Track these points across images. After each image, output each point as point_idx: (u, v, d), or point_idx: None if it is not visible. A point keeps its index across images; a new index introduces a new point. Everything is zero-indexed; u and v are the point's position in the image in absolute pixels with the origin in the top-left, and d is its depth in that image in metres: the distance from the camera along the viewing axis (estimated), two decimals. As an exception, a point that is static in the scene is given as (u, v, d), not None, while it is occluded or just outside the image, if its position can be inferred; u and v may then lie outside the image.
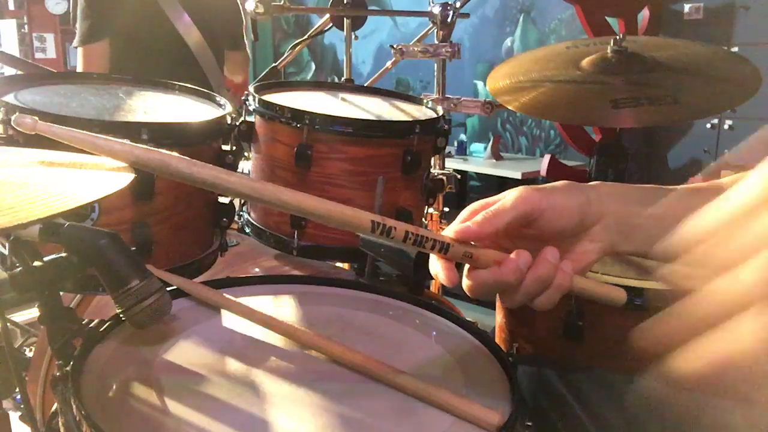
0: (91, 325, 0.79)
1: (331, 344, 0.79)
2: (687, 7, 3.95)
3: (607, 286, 0.73)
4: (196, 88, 1.30)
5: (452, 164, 4.18)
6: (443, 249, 0.67)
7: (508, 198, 0.68)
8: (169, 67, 2.08)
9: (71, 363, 0.72)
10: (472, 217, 0.68)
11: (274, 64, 2.15)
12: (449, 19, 1.88)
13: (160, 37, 2.16)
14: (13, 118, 0.62)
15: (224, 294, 0.92)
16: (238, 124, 1.22)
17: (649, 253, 0.69)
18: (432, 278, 1.91)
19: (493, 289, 0.68)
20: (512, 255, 0.66)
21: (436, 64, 1.92)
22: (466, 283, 0.68)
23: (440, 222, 1.83)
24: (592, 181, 0.72)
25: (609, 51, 1.45)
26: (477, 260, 0.67)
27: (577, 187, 0.69)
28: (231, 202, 1.22)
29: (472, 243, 0.68)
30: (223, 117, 1.16)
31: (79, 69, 2.19)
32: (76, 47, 2.18)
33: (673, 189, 0.72)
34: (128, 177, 0.66)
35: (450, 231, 0.67)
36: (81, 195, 0.61)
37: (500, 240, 0.70)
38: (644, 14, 3.87)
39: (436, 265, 0.69)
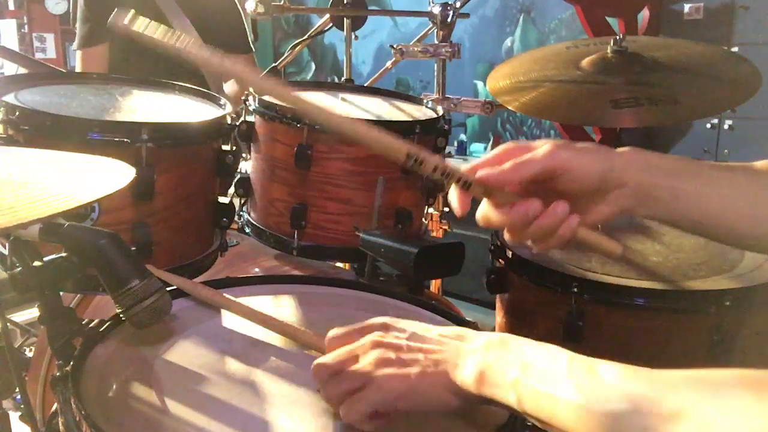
0: (91, 325, 0.79)
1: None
2: (687, 7, 3.95)
3: (605, 238, 0.77)
4: (196, 88, 1.30)
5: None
6: (466, 185, 0.73)
7: (539, 151, 0.72)
8: (168, 70, 2.08)
9: (71, 363, 0.72)
10: (504, 157, 0.73)
11: (274, 64, 2.15)
12: (449, 19, 1.88)
13: None
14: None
15: (224, 294, 0.92)
16: (238, 124, 1.22)
17: (664, 221, 0.75)
18: (432, 278, 1.92)
19: (499, 226, 0.74)
20: (524, 202, 0.71)
21: (436, 64, 1.92)
22: (478, 214, 0.74)
23: (440, 222, 1.83)
24: (623, 148, 0.75)
25: (609, 51, 1.45)
26: (492, 198, 0.73)
27: (605, 153, 0.73)
28: (231, 202, 1.22)
29: None
30: (223, 117, 1.16)
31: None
32: (75, 50, 2.18)
33: (702, 164, 0.76)
34: (128, 177, 0.66)
35: (479, 171, 0.73)
36: (81, 195, 0.61)
37: (521, 184, 0.74)
38: (644, 14, 3.87)
39: (453, 194, 0.75)
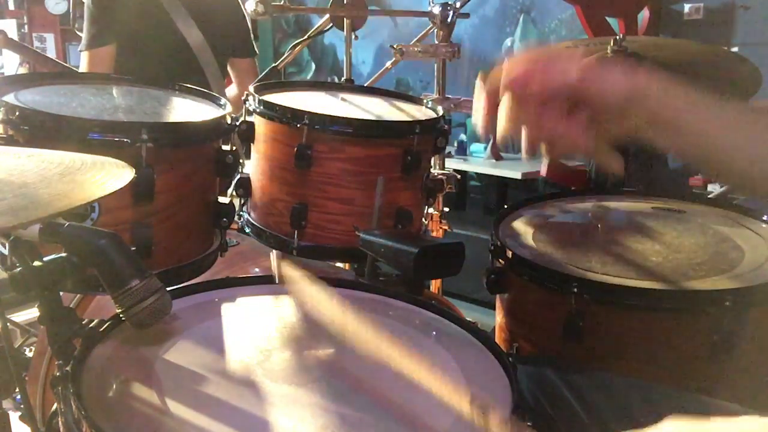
0: (91, 325, 0.79)
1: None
2: (687, 7, 3.95)
3: (611, 154, 0.80)
4: (196, 88, 1.30)
5: (452, 164, 4.17)
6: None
7: (568, 74, 0.75)
8: (171, 70, 2.08)
9: (71, 363, 0.72)
10: (535, 67, 0.76)
11: (274, 64, 2.15)
12: (449, 19, 1.88)
13: (165, 41, 2.16)
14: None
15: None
16: (238, 124, 1.22)
17: (673, 149, 0.80)
18: (432, 278, 1.92)
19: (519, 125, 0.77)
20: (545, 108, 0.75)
21: (436, 64, 1.92)
22: (500, 109, 0.77)
23: (440, 222, 1.83)
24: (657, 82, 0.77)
25: (609, 51, 1.45)
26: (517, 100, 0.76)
27: (631, 74, 0.76)
28: (231, 202, 1.22)
29: None
30: (223, 117, 1.16)
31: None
32: (81, 51, 2.15)
33: (726, 102, 0.79)
34: (128, 177, 0.66)
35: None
36: (81, 195, 0.61)
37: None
38: (644, 14, 3.87)
39: (478, 115, 0.79)
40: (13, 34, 5.97)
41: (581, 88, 0.75)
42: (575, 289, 1.03)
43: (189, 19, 2.14)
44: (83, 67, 2.15)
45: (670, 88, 0.76)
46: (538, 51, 0.79)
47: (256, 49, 2.43)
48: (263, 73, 2.16)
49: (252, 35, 2.41)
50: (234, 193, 1.31)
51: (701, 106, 0.77)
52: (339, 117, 1.22)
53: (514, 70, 0.75)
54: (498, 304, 1.24)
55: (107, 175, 0.69)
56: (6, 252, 0.76)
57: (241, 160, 1.30)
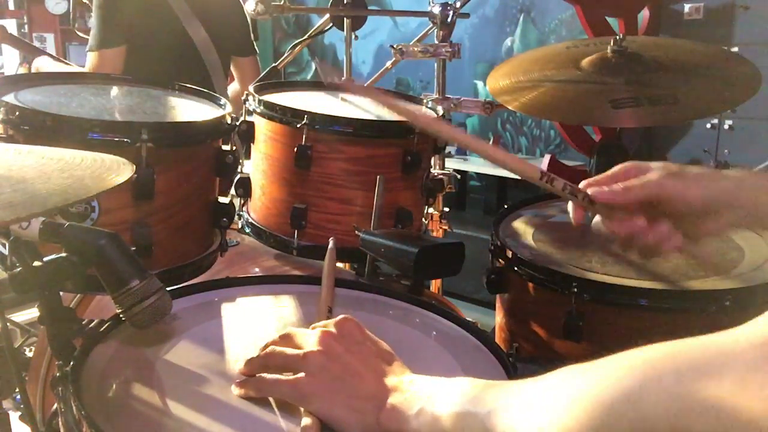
0: (91, 325, 0.79)
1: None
2: (687, 7, 3.95)
3: (707, 253, 0.90)
4: (196, 88, 1.30)
5: (452, 164, 4.17)
6: (589, 203, 0.85)
7: (649, 178, 0.82)
8: (177, 70, 2.08)
9: (71, 363, 0.72)
10: (621, 176, 0.84)
11: (274, 64, 2.15)
12: (449, 19, 1.88)
13: (171, 40, 2.16)
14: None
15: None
16: (238, 124, 1.22)
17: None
18: (432, 278, 1.91)
19: (608, 233, 0.85)
20: (629, 219, 0.82)
21: (436, 64, 1.92)
22: (593, 224, 0.86)
23: (440, 222, 1.83)
24: (733, 170, 0.84)
25: (609, 51, 1.45)
26: (604, 213, 0.85)
27: (712, 178, 0.82)
28: (231, 202, 1.22)
29: None
30: (223, 117, 1.16)
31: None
32: (89, 51, 2.11)
33: None
34: (128, 173, 0.66)
35: (591, 189, 0.84)
36: (80, 191, 0.61)
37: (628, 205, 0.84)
38: (644, 14, 3.87)
39: (571, 207, 0.88)
40: (13, 33, 5.97)
41: (658, 200, 0.80)
42: (575, 289, 1.03)
43: (194, 18, 2.14)
44: (89, 67, 2.12)
45: (761, 184, 0.81)
46: (618, 169, 0.84)
47: (256, 47, 2.45)
48: (263, 73, 2.16)
49: (252, 34, 2.41)
50: (234, 193, 1.31)
51: None
52: (339, 117, 1.22)
53: (598, 190, 0.83)
54: (498, 304, 1.24)
55: (107, 172, 0.69)
56: (6, 252, 0.76)
57: (240, 160, 1.30)
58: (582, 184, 0.85)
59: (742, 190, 0.80)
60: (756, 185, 0.80)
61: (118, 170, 0.70)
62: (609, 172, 0.85)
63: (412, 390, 0.64)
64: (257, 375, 0.70)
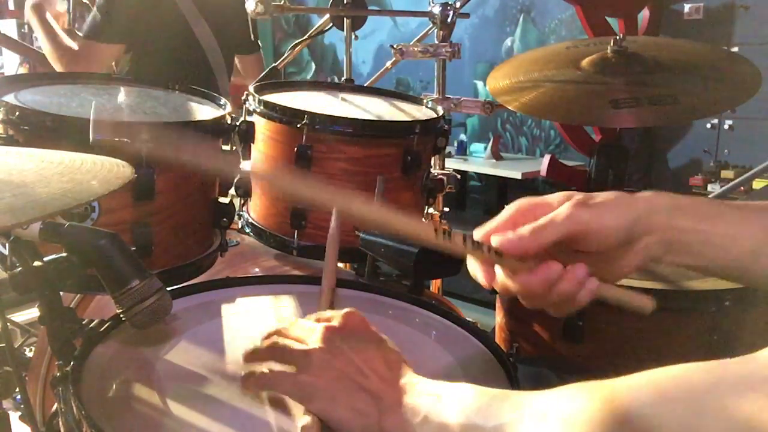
0: (91, 325, 0.79)
1: None
2: (687, 7, 3.95)
3: (635, 294, 0.73)
4: (196, 88, 1.30)
5: (452, 164, 4.18)
6: (495, 254, 0.69)
7: (558, 214, 0.68)
8: (182, 70, 2.08)
9: (71, 363, 0.72)
10: (517, 218, 0.70)
11: (274, 64, 2.15)
12: (449, 19, 1.88)
13: (178, 40, 2.16)
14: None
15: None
16: (238, 124, 1.22)
17: (693, 267, 0.71)
18: (432, 278, 1.92)
19: (520, 295, 0.71)
20: (543, 268, 0.68)
21: (436, 64, 1.92)
22: (497, 284, 0.71)
23: (440, 222, 1.83)
24: (645, 192, 0.71)
25: (609, 51, 1.45)
26: (516, 266, 0.69)
27: (628, 203, 0.69)
28: (231, 202, 1.22)
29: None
30: (223, 117, 1.16)
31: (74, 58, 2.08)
32: (82, 36, 2.08)
33: (727, 204, 0.72)
34: (128, 176, 0.66)
35: (494, 237, 0.69)
36: (80, 194, 0.61)
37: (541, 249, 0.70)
38: (644, 14, 3.87)
39: (475, 266, 0.72)
40: (13, 33, 5.97)
41: (573, 238, 0.68)
42: (575, 289, 1.03)
43: (201, 19, 2.14)
44: (77, 53, 2.08)
45: (676, 208, 0.69)
46: (514, 210, 0.71)
47: (259, 43, 2.46)
48: (263, 73, 2.16)
49: (253, 32, 2.42)
50: (234, 193, 1.31)
51: (716, 215, 0.69)
52: (339, 117, 1.22)
53: (502, 238, 0.68)
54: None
55: (107, 174, 0.69)
56: (6, 252, 0.76)
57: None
58: (478, 235, 0.70)
59: (655, 212, 0.68)
60: (670, 206, 0.69)
61: (117, 173, 0.70)
62: (504, 216, 0.71)
63: (417, 395, 0.64)
64: (259, 370, 0.70)
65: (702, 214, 0.69)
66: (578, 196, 0.70)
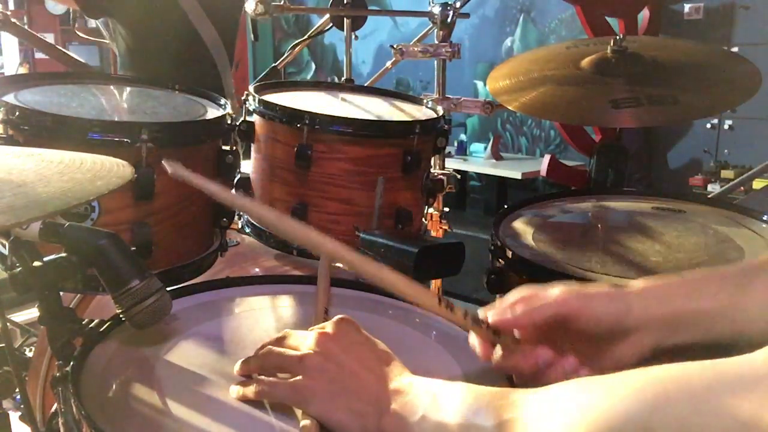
0: (91, 325, 0.79)
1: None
2: (687, 7, 3.96)
3: None
4: (196, 87, 1.30)
5: (452, 164, 4.18)
6: (493, 332, 0.75)
7: (550, 296, 0.73)
8: (186, 67, 2.08)
9: (71, 363, 0.72)
10: (519, 301, 0.75)
11: (274, 64, 2.15)
12: (449, 19, 1.88)
13: (181, 38, 2.16)
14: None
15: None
16: (238, 124, 1.22)
17: (699, 342, 0.72)
18: (432, 278, 1.92)
19: (513, 374, 0.75)
20: (534, 352, 0.72)
21: (436, 64, 1.92)
22: (494, 361, 0.75)
23: (440, 222, 1.83)
24: (637, 281, 0.74)
25: (609, 51, 1.45)
26: (511, 346, 0.74)
27: (619, 297, 0.72)
28: (231, 202, 1.22)
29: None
30: (223, 117, 1.16)
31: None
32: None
33: (722, 277, 0.73)
34: (128, 176, 0.66)
35: (492, 316, 0.75)
36: (80, 194, 0.61)
37: (533, 328, 0.74)
38: (644, 14, 3.88)
39: (476, 340, 0.77)
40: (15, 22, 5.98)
41: (564, 321, 0.71)
42: (575, 289, 1.03)
43: (206, 19, 2.14)
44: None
45: (669, 295, 0.72)
46: (514, 296, 0.75)
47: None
48: (263, 73, 2.16)
49: (252, 34, 2.41)
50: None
51: (711, 291, 0.71)
52: (339, 117, 1.22)
53: (497, 317, 0.74)
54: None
55: (107, 174, 0.69)
56: (6, 252, 0.76)
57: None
58: (480, 313, 0.76)
59: (649, 304, 0.71)
60: (661, 298, 0.71)
61: (117, 173, 0.70)
62: (507, 300, 0.76)
63: (413, 394, 0.64)
64: (254, 377, 0.70)
65: (697, 292, 0.72)
66: (575, 286, 0.74)
